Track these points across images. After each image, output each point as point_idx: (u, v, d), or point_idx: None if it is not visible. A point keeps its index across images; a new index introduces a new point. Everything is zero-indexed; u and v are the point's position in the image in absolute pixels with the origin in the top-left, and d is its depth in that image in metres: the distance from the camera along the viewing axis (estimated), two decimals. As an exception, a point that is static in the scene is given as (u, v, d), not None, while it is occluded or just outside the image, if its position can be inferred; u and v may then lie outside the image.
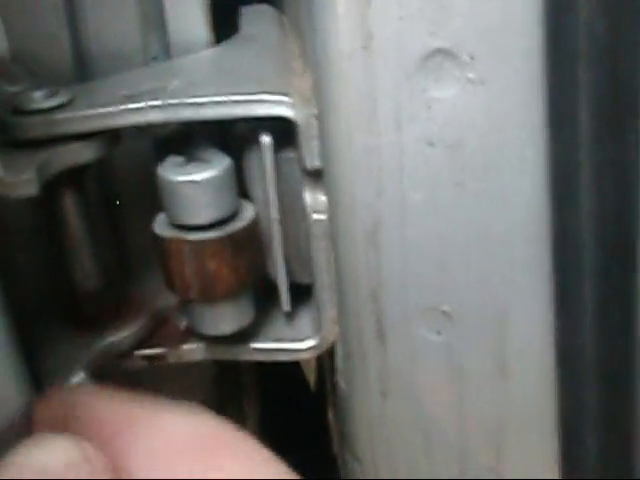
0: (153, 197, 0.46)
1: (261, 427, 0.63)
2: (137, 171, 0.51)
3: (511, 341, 0.44)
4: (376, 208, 0.42)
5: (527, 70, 0.38)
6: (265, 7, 0.56)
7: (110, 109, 0.44)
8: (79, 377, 0.47)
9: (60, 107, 0.45)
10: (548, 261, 0.42)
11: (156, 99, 0.44)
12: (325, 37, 0.39)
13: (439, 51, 0.38)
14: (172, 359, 0.49)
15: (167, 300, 0.50)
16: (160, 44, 0.50)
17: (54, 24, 0.49)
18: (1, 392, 0.41)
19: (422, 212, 0.42)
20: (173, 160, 0.45)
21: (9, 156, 0.43)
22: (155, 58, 0.51)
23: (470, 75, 0.39)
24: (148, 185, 0.48)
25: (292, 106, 0.43)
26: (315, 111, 0.43)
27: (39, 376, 0.47)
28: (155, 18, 0.49)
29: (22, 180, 0.42)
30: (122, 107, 0.44)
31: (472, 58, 0.38)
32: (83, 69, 0.50)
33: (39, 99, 0.45)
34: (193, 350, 0.48)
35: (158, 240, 0.45)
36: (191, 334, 0.48)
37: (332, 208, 0.44)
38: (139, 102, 0.44)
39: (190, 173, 0.44)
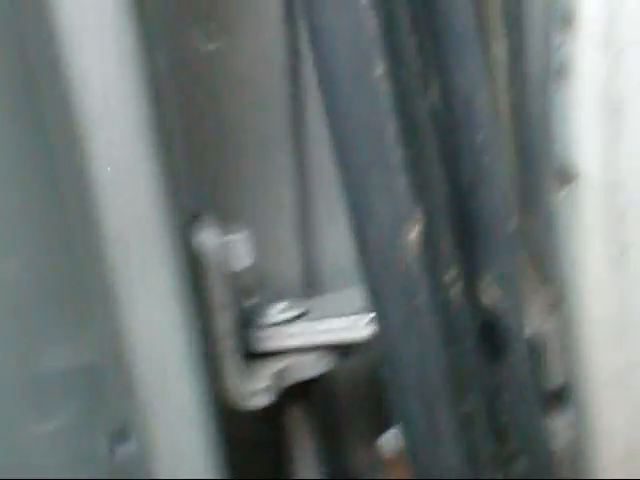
0: (376, 413, 0.45)
1: None
2: (361, 385, 0.51)
3: None
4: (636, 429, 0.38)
5: None
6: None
7: (342, 324, 0.44)
8: None
9: (294, 320, 0.46)
10: None
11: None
12: (576, 249, 0.38)
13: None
14: None
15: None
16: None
17: (288, 238, 0.51)
18: None
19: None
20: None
21: (245, 367, 0.44)
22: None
23: None
24: (371, 400, 0.47)
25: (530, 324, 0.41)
26: (556, 326, 0.41)
27: None
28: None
29: (257, 390, 0.43)
30: (353, 322, 0.44)
31: None
32: (311, 282, 0.52)
33: (274, 313, 0.46)
34: None
35: (384, 460, 0.44)
36: None
37: (581, 430, 0.40)
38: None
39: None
